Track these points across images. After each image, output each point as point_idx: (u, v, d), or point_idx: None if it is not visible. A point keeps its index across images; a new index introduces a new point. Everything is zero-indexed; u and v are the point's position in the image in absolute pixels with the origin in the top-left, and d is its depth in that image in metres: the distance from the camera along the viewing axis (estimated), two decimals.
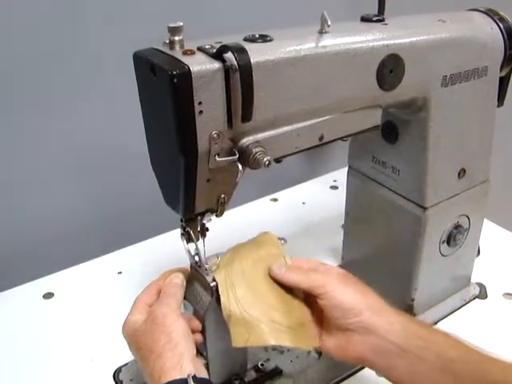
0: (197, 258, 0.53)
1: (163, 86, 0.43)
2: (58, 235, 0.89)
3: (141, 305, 0.52)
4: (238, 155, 0.47)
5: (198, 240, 0.53)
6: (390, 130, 0.63)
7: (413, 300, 0.68)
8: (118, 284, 0.79)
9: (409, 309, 0.69)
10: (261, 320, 0.49)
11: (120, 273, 0.82)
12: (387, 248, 0.70)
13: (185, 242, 0.53)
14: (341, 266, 0.80)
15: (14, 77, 0.77)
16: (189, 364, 0.45)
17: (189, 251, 0.53)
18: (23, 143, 0.81)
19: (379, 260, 0.72)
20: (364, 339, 0.48)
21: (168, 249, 0.81)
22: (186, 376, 0.43)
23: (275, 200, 1.01)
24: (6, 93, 0.77)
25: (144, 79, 0.48)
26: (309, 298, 0.53)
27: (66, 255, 0.83)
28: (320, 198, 1.01)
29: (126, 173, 0.91)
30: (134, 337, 0.50)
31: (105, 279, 0.80)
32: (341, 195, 1.00)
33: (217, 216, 0.54)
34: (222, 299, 0.50)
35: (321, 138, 0.53)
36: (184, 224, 0.53)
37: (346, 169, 1.12)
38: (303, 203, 1.00)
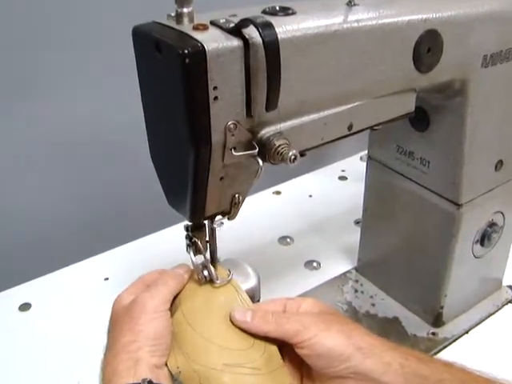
0: (206, 273, 0.49)
1: (171, 66, 0.39)
2: (34, 238, 0.85)
3: (139, 283, 0.50)
4: (257, 149, 0.43)
5: (206, 250, 0.50)
6: (419, 117, 0.59)
7: (442, 307, 0.66)
8: (104, 292, 0.75)
9: (438, 317, 0.66)
10: (214, 367, 0.45)
11: (107, 279, 0.78)
12: (413, 249, 0.67)
13: (192, 254, 0.49)
14: (356, 269, 0.77)
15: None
16: (145, 370, 0.42)
17: (197, 265, 0.49)
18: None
19: (403, 263, 0.69)
20: None
21: (161, 250, 0.79)
22: (139, 381, 0.41)
23: (278, 193, 0.98)
24: None
25: (146, 58, 0.43)
26: None
27: (44, 260, 0.79)
28: (328, 189, 0.98)
29: (112, 168, 0.87)
30: (113, 317, 0.48)
31: (89, 286, 0.77)
32: (350, 186, 0.98)
33: (229, 219, 0.50)
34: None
35: (350, 128, 0.49)
36: (191, 234, 0.49)
37: (355, 157, 1.10)
38: (310, 196, 0.97)
